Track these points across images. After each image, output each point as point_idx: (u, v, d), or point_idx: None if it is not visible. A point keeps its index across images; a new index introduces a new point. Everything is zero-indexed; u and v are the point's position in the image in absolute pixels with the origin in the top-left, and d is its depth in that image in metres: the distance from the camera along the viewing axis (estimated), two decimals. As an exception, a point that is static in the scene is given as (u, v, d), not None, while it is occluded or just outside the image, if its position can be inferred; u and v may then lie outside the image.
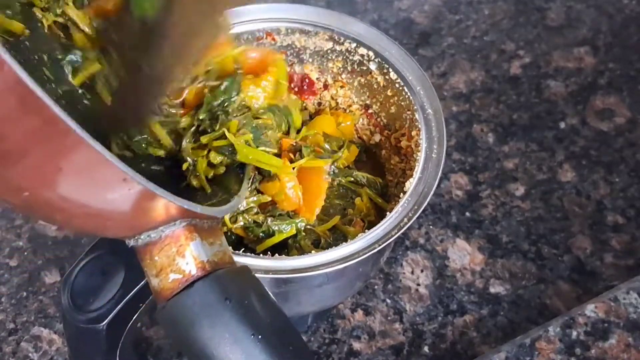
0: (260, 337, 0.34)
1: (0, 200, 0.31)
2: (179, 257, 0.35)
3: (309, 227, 0.53)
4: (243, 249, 0.49)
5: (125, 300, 0.43)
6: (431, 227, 0.70)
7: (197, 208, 0.35)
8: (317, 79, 0.62)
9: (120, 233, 0.35)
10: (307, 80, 0.62)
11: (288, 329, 0.37)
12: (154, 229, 0.34)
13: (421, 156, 0.51)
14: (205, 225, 0.37)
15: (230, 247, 0.44)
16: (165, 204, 0.32)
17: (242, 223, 0.51)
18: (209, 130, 0.49)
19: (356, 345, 0.62)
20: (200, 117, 0.49)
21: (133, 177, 0.29)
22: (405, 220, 0.48)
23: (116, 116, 0.44)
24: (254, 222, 0.51)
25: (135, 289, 0.43)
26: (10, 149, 0.27)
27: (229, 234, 0.51)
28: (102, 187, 0.30)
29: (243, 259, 0.45)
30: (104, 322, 0.44)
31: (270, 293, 0.38)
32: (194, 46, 0.39)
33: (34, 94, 0.25)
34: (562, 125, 0.78)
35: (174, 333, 0.35)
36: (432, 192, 0.49)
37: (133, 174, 0.29)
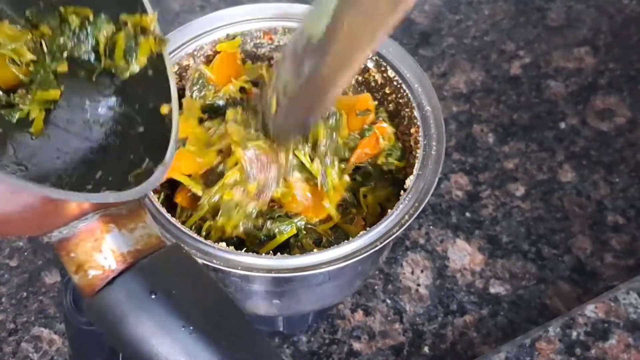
0: (192, 328, 0.32)
1: None
2: (96, 252, 0.33)
3: (309, 226, 0.52)
4: (244, 249, 0.49)
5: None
6: (431, 227, 0.70)
7: (110, 198, 0.32)
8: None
9: (30, 233, 0.33)
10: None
11: (228, 313, 0.35)
12: (65, 225, 0.32)
13: (420, 153, 0.51)
14: (124, 211, 0.34)
15: (191, 232, 0.44)
16: (69, 202, 0.31)
17: (242, 229, 0.51)
18: None
19: (356, 346, 0.62)
20: None
21: (23, 187, 0.27)
22: (407, 217, 0.48)
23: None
24: (254, 226, 0.51)
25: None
26: None
27: (233, 239, 0.51)
28: None
29: (244, 259, 0.45)
30: (106, 324, 0.44)
31: (209, 273, 0.36)
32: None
33: None
34: (562, 125, 0.78)
35: (103, 329, 0.33)
36: (432, 189, 0.49)
37: (22, 184, 0.27)
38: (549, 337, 0.56)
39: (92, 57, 0.41)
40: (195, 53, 0.56)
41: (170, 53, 0.55)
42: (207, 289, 0.36)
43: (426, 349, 0.62)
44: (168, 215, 0.47)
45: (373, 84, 0.59)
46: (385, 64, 0.57)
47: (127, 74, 0.40)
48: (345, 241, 0.46)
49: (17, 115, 0.39)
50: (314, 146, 0.53)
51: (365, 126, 0.55)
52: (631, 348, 0.55)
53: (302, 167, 0.53)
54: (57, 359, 0.61)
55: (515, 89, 0.81)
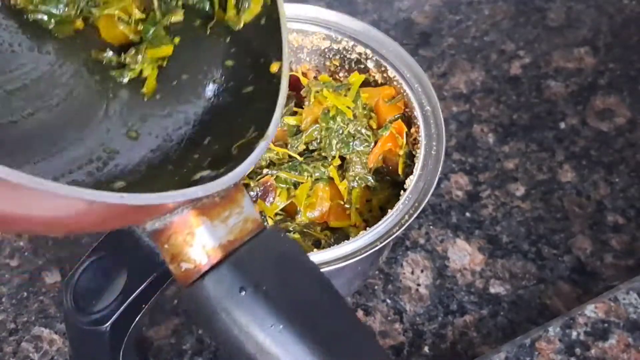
0: (282, 326, 0.32)
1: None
2: (188, 247, 0.32)
3: (306, 230, 0.53)
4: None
5: (128, 301, 0.43)
6: (431, 227, 0.70)
7: (199, 192, 0.30)
8: (314, 77, 0.62)
9: (124, 226, 0.33)
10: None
11: (327, 306, 0.34)
12: (157, 219, 0.32)
13: (421, 153, 0.51)
14: (217, 199, 0.32)
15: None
16: (164, 203, 0.29)
17: None
18: None
19: (356, 346, 0.62)
20: None
21: (125, 200, 0.26)
22: (407, 217, 0.48)
23: None
24: None
25: (138, 290, 0.43)
26: None
27: None
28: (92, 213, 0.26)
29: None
30: (107, 324, 0.44)
31: (309, 259, 0.35)
32: None
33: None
34: (562, 125, 0.78)
35: (196, 321, 0.34)
36: (432, 189, 0.49)
37: (107, 196, 0.26)
38: (549, 337, 0.56)
39: (207, 4, 0.38)
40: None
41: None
42: (305, 277, 0.34)
43: (426, 349, 0.62)
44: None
45: (373, 83, 0.59)
46: (385, 64, 0.57)
47: (242, 23, 0.37)
48: (345, 241, 0.47)
49: (128, 76, 0.36)
50: (344, 166, 0.54)
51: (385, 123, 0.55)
52: (631, 348, 0.55)
53: (328, 180, 0.54)
54: (57, 359, 0.61)
55: (515, 89, 0.82)
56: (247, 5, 0.37)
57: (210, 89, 0.37)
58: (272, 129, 0.34)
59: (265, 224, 0.34)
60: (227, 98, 0.37)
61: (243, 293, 0.32)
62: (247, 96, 0.36)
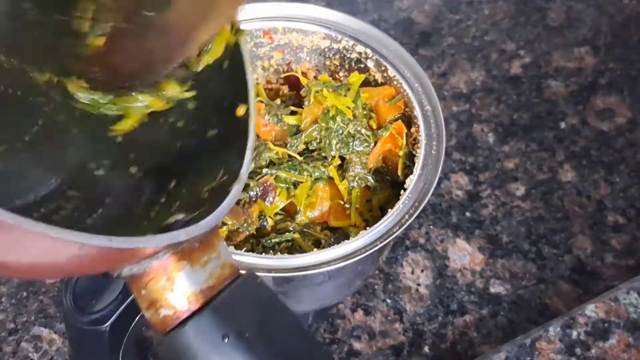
0: None
1: None
2: (168, 292, 0.31)
3: (306, 230, 0.53)
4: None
5: (128, 301, 0.43)
6: (431, 227, 0.70)
7: (181, 236, 0.29)
8: (314, 77, 0.62)
9: (102, 271, 0.31)
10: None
11: (304, 349, 0.34)
12: (136, 264, 0.31)
13: (421, 153, 0.51)
14: (196, 244, 0.32)
15: (231, 248, 0.44)
16: (142, 247, 0.28)
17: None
18: None
19: (356, 345, 0.62)
20: None
21: (97, 244, 0.25)
22: (407, 217, 0.48)
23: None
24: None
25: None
26: None
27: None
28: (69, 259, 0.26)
29: (245, 258, 0.45)
30: (106, 324, 0.44)
31: (280, 300, 0.35)
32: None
33: None
34: (563, 125, 0.78)
35: None
36: (432, 189, 0.49)
37: (96, 240, 0.25)
38: (549, 337, 0.56)
39: None
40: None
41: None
42: (283, 324, 0.34)
43: (426, 349, 0.62)
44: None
45: (373, 83, 0.59)
46: (385, 64, 0.57)
47: (201, 66, 0.36)
48: (345, 241, 0.46)
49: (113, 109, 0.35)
50: (344, 166, 0.54)
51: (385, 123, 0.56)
52: (631, 348, 0.55)
53: (328, 180, 0.54)
54: (57, 358, 0.61)
55: (516, 89, 0.81)
56: (208, 47, 0.36)
57: (174, 134, 0.36)
58: (245, 173, 0.33)
59: (241, 271, 0.34)
60: (192, 141, 0.36)
61: (226, 340, 0.31)
62: (212, 139, 0.36)
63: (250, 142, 0.35)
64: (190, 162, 0.36)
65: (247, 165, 0.34)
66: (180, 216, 0.32)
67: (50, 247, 0.25)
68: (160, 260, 0.31)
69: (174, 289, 0.31)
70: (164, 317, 0.31)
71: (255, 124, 0.35)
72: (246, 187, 0.53)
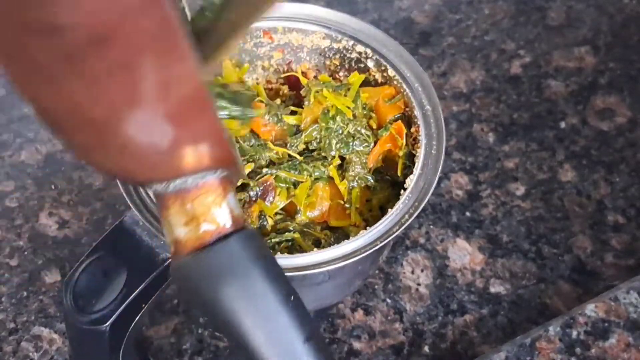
0: (291, 300, 0.33)
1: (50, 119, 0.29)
2: (215, 207, 0.33)
3: (306, 230, 0.53)
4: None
5: (128, 301, 0.43)
6: (431, 226, 0.70)
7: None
8: (314, 77, 0.62)
9: (156, 176, 0.32)
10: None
11: (298, 297, 0.36)
12: (192, 175, 0.32)
13: (421, 152, 0.51)
14: (235, 180, 0.35)
15: None
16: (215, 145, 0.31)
17: None
18: None
19: (356, 345, 0.62)
20: None
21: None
22: (407, 217, 0.48)
23: None
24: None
25: (138, 290, 0.43)
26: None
27: None
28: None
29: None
30: (107, 324, 0.44)
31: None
32: None
33: None
34: (563, 124, 0.78)
35: (194, 290, 0.33)
36: (432, 188, 0.49)
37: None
38: (549, 337, 0.56)
39: None
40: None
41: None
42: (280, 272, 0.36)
43: (426, 349, 0.62)
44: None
45: (373, 83, 0.59)
46: (385, 63, 0.57)
47: None
48: (346, 240, 0.46)
49: None
50: (344, 166, 0.54)
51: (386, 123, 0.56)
52: (631, 347, 0.55)
53: (328, 179, 0.54)
54: (57, 358, 0.61)
55: (516, 89, 0.81)
56: None
57: None
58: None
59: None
60: None
61: (261, 261, 0.33)
62: None
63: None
64: None
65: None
66: None
67: None
68: (213, 178, 0.33)
69: (222, 206, 0.33)
70: (204, 231, 0.33)
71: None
72: (246, 187, 0.53)
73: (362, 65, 0.59)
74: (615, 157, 0.75)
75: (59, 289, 0.65)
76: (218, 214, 0.33)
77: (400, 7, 0.91)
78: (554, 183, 0.73)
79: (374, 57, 0.57)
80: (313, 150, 0.56)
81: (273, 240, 0.51)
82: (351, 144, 0.54)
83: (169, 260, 0.43)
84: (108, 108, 0.28)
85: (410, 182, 0.50)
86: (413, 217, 0.47)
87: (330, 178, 0.55)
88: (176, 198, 0.33)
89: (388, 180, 0.56)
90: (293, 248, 0.52)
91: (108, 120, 0.29)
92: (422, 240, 0.68)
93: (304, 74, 0.61)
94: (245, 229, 0.34)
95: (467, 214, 0.70)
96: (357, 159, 0.54)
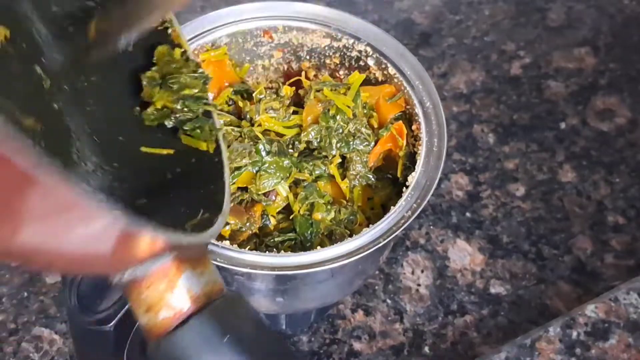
0: None
1: None
2: (169, 293, 0.32)
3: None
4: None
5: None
6: (431, 227, 0.70)
7: (192, 239, 0.32)
8: (314, 75, 0.62)
9: (104, 272, 0.32)
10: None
11: (284, 354, 0.36)
12: (139, 264, 0.31)
13: (422, 150, 0.51)
14: (193, 254, 0.34)
15: (234, 247, 0.44)
16: (152, 237, 0.29)
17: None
18: None
19: (357, 346, 0.62)
20: None
21: (116, 211, 0.26)
22: (409, 214, 0.47)
23: None
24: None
25: (141, 289, 0.43)
26: None
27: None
28: (79, 226, 0.26)
29: (248, 257, 0.45)
30: (111, 324, 0.43)
31: (265, 321, 0.37)
32: None
33: None
34: (563, 125, 0.78)
35: None
36: (434, 185, 0.49)
37: (119, 209, 0.26)
38: (549, 337, 0.56)
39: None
40: (196, 52, 0.56)
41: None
42: (266, 334, 0.36)
43: (426, 349, 0.62)
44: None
45: (374, 81, 0.59)
46: (385, 62, 0.57)
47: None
48: (349, 238, 0.47)
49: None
50: (345, 165, 0.55)
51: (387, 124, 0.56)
52: (631, 348, 0.55)
53: (329, 178, 0.55)
54: (57, 359, 0.61)
55: (516, 89, 0.82)
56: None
57: (160, 171, 0.39)
58: (227, 205, 0.37)
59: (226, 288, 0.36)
60: (173, 181, 0.39)
61: (225, 339, 0.32)
62: (191, 179, 0.39)
63: (227, 176, 0.39)
64: (174, 199, 0.38)
65: (228, 199, 0.38)
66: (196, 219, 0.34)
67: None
68: (162, 263, 0.32)
69: (176, 290, 0.32)
70: (163, 319, 0.32)
71: (227, 160, 0.40)
72: (247, 188, 0.53)
73: (363, 64, 0.59)
74: (615, 157, 0.75)
75: (59, 290, 0.65)
76: (173, 299, 0.32)
77: (401, 8, 0.91)
78: (554, 184, 0.73)
79: (374, 56, 0.57)
80: (314, 150, 0.56)
81: (276, 239, 0.51)
82: (352, 143, 0.54)
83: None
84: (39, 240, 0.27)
85: (412, 179, 0.50)
86: (416, 214, 0.47)
87: (332, 176, 0.55)
88: (131, 288, 0.32)
89: (389, 179, 0.56)
90: (296, 247, 0.52)
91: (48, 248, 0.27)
92: (422, 241, 0.69)
93: (305, 74, 0.61)
94: (209, 304, 0.33)
95: (467, 214, 0.71)
96: (358, 158, 0.54)
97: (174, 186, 0.38)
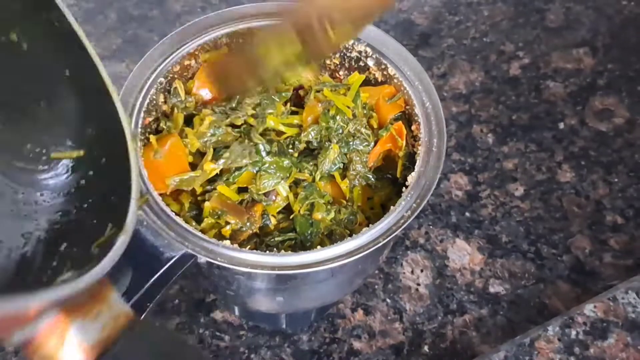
0: None
1: None
2: (60, 350, 0.31)
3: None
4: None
5: (133, 300, 0.43)
6: (431, 227, 0.70)
7: (66, 290, 0.29)
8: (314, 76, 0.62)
9: None
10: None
11: None
12: (21, 329, 0.30)
13: (422, 150, 0.51)
14: (86, 296, 0.32)
15: (195, 230, 0.45)
16: (22, 308, 0.27)
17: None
18: None
19: (356, 345, 0.62)
20: None
21: None
22: (409, 213, 0.48)
23: None
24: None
25: (144, 289, 0.43)
26: None
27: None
28: None
29: (248, 256, 0.45)
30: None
31: (185, 341, 0.35)
32: None
33: None
34: (561, 125, 0.78)
35: None
36: (434, 186, 0.49)
37: None
38: (548, 337, 0.57)
39: None
40: (197, 53, 0.57)
41: (171, 53, 0.55)
42: (185, 354, 0.35)
43: (426, 348, 0.62)
44: (172, 214, 0.47)
45: (373, 82, 0.59)
46: (385, 62, 0.57)
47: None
48: (349, 238, 0.47)
49: None
50: (345, 165, 0.55)
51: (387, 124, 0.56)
52: (630, 347, 0.55)
53: (329, 178, 0.55)
54: (58, 357, 0.61)
55: (515, 90, 0.82)
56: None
57: (58, 200, 0.38)
58: (130, 223, 0.34)
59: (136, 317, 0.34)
60: (77, 203, 0.38)
61: None
62: (100, 196, 0.37)
63: (134, 192, 0.36)
64: (80, 221, 0.37)
65: (132, 216, 0.35)
66: (67, 274, 0.32)
67: None
68: (49, 320, 0.30)
69: (67, 345, 0.31)
70: None
71: (137, 179, 0.37)
72: (247, 189, 0.53)
73: (362, 64, 0.59)
74: (613, 157, 0.75)
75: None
76: (66, 355, 0.31)
77: (400, 8, 0.91)
78: (553, 183, 0.73)
79: (374, 56, 0.58)
80: (314, 150, 0.56)
81: (276, 239, 0.51)
82: (351, 143, 0.55)
83: (173, 259, 0.44)
84: None
85: (411, 179, 0.50)
86: (416, 214, 0.47)
87: (332, 176, 0.55)
88: (28, 348, 0.31)
89: (389, 179, 0.56)
90: (297, 246, 0.52)
91: None
92: (421, 241, 0.69)
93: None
94: (109, 350, 0.31)
95: (467, 214, 0.71)
96: (358, 158, 0.55)
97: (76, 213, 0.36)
